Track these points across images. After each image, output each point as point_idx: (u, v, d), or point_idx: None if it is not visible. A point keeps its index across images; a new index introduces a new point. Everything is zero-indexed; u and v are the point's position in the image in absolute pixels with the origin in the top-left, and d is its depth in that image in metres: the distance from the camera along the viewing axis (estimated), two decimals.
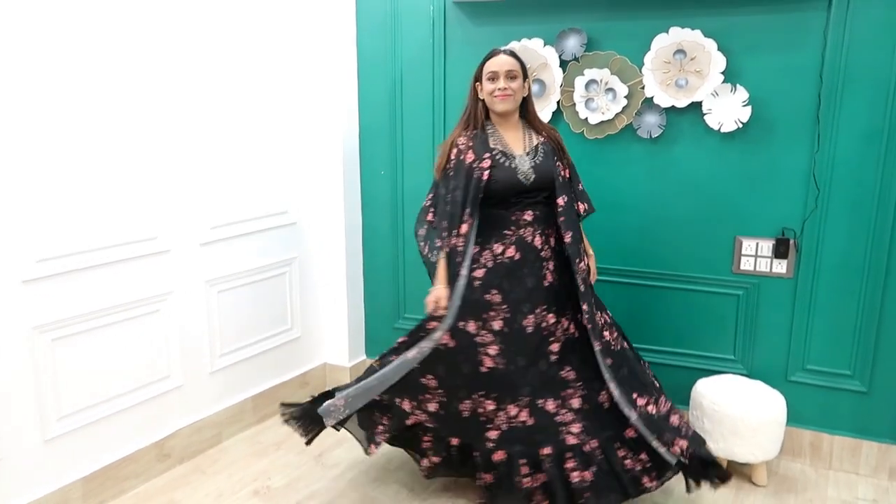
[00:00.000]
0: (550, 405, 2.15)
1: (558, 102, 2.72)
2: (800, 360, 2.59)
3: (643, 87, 2.57)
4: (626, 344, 2.31)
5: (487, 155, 2.19)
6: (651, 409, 2.16)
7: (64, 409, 2.22)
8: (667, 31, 2.51)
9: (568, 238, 2.20)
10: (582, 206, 2.33)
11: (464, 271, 2.19)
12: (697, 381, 2.61)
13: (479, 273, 2.19)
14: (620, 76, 2.60)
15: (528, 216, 2.21)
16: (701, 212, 2.63)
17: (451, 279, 2.20)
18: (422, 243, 2.38)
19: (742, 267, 2.60)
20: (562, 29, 2.66)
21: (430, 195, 2.39)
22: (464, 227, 2.17)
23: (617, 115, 2.63)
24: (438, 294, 2.21)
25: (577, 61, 2.66)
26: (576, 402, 2.16)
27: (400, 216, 3.14)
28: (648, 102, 2.59)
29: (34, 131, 2.05)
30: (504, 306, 2.18)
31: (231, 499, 2.41)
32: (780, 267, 2.55)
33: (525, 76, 2.25)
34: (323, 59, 3.04)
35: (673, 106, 2.55)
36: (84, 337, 2.26)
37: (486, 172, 2.17)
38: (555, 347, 2.20)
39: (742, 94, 2.46)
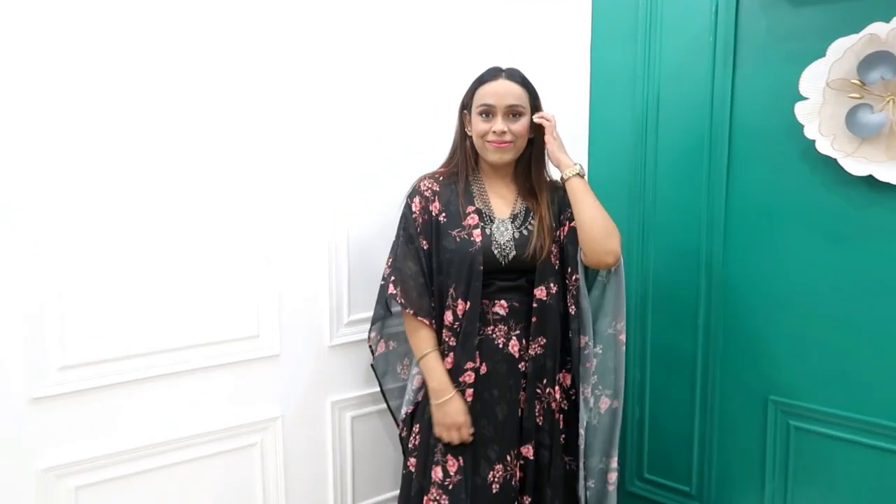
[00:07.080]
0: None
1: None
2: None
3: None
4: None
5: (472, 209, 1.59)
6: None
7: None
8: None
9: (581, 343, 1.60)
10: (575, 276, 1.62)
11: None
12: None
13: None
14: None
15: (501, 309, 1.58)
16: None
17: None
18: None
19: None
20: None
21: (390, 259, 1.67)
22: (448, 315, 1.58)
23: None
24: (456, 411, 1.55)
25: None
26: None
27: (643, 324, 2.16)
28: None
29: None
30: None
31: None
32: None
33: (534, 110, 1.59)
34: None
35: None
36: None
37: (477, 235, 1.57)
38: (526, 501, 1.62)
39: None
